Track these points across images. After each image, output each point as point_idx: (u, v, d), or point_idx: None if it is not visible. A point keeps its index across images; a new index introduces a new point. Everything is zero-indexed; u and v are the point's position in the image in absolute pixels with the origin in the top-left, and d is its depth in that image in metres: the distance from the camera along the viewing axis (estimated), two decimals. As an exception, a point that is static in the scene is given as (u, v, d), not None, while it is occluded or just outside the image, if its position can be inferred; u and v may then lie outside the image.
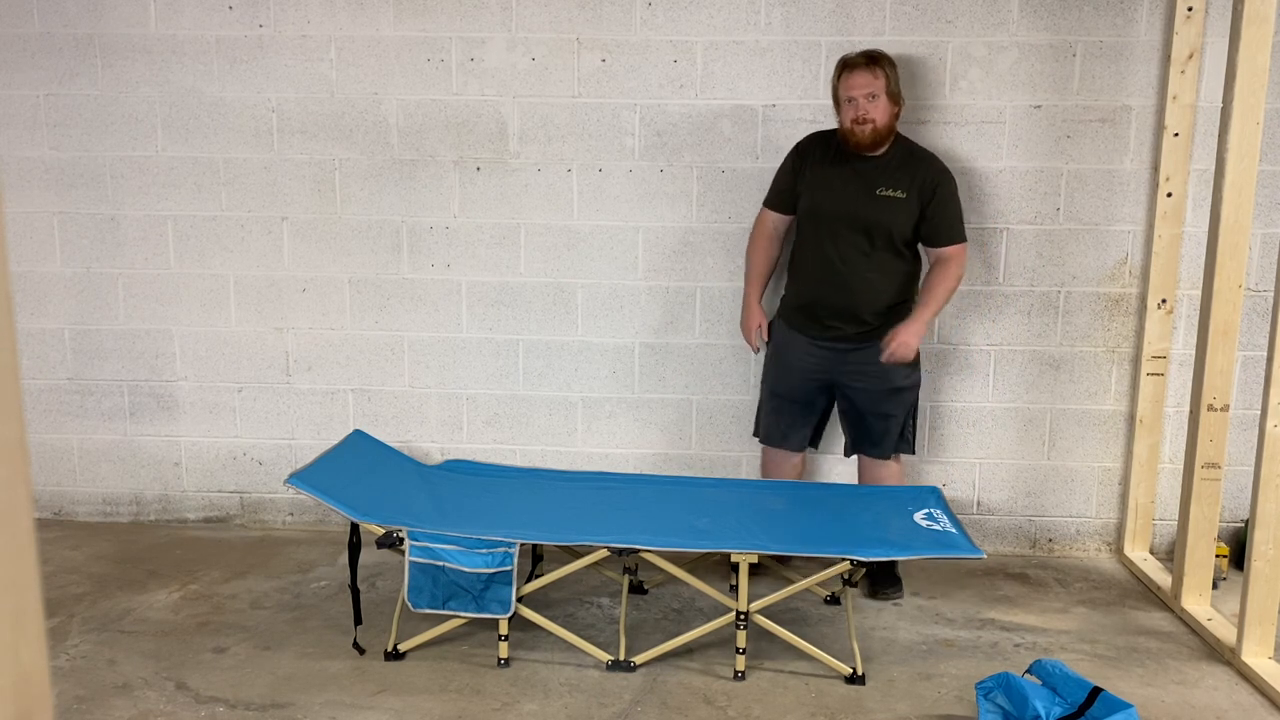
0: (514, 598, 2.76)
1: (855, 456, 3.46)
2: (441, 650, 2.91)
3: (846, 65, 3.18)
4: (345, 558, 3.59)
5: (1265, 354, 2.75)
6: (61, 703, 2.59)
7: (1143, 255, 3.60)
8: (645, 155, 3.64)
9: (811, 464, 3.74)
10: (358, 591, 2.93)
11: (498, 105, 3.65)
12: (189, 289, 3.83)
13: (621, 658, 2.81)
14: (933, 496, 3.20)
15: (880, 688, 2.73)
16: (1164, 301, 3.56)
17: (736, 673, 2.77)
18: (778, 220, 3.39)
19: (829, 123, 3.58)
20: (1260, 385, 3.45)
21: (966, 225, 3.61)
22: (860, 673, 2.76)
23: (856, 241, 3.21)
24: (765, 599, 2.83)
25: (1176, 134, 3.46)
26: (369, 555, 3.65)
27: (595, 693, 2.68)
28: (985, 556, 2.76)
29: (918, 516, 3.01)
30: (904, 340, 3.18)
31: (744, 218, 3.63)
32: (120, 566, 3.52)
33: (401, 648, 2.87)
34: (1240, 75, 2.82)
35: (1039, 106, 3.54)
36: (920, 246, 3.32)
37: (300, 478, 2.92)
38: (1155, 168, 3.53)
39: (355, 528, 2.89)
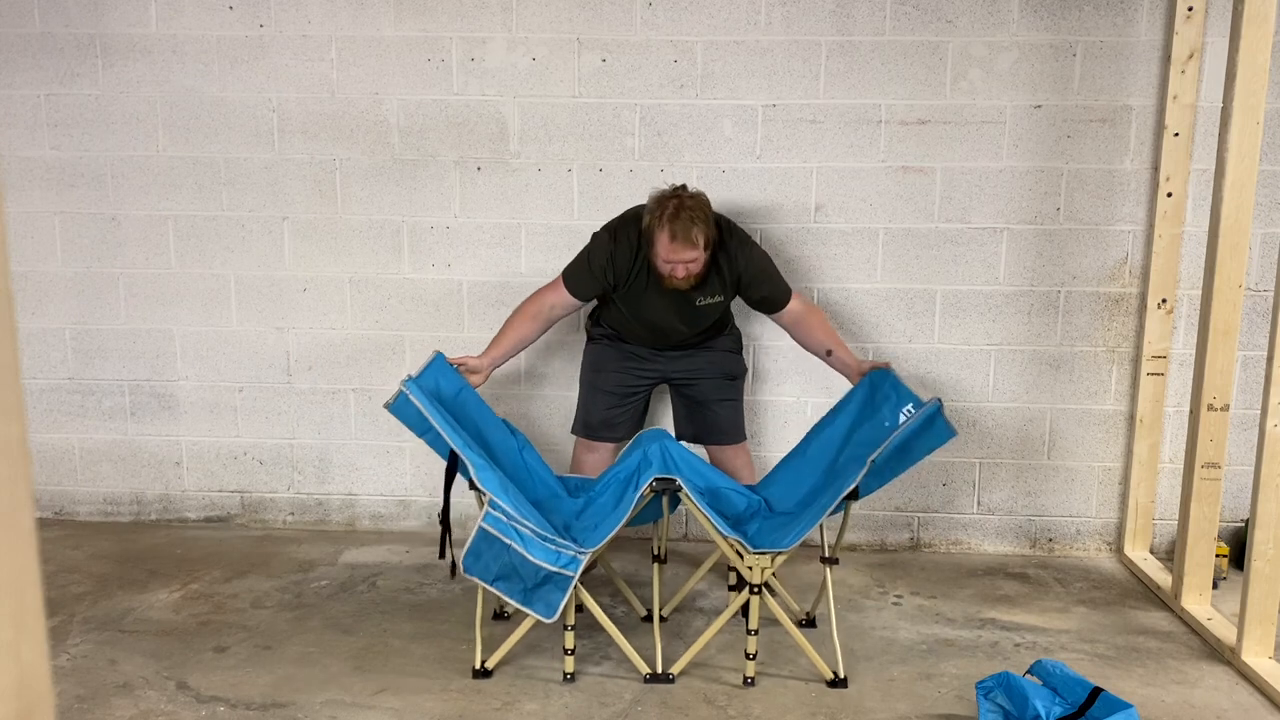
0: (562, 607, 2.59)
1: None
2: (442, 649, 2.91)
3: (672, 235, 2.91)
4: (346, 557, 3.61)
5: (1265, 354, 2.75)
6: (62, 702, 2.59)
7: (1143, 255, 3.60)
8: (645, 155, 3.65)
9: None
10: (448, 523, 2.79)
11: (498, 105, 3.65)
12: (190, 289, 3.83)
13: (659, 670, 2.74)
14: (895, 393, 2.93)
15: (880, 687, 2.73)
16: (1164, 301, 3.56)
17: (746, 679, 2.73)
18: (567, 303, 3.15)
19: (829, 123, 3.58)
20: (1260, 385, 3.45)
21: (968, 225, 3.62)
22: (843, 676, 2.72)
23: (681, 330, 3.24)
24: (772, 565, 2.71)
25: (1177, 134, 3.46)
26: (371, 554, 3.66)
27: (595, 692, 2.68)
28: (957, 435, 2.69)
29: (901, 418, 2.85)
30: (870, 365, 3.05)
31: (744, 218, 3.63)
32: (121, 566, 3.53)
33: (489, 665, 2.77)
34: (1240, 75, 2.82)
35: (1039, 106, 3.54)
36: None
37: (417, 382, 2.75)
38: (1155, 168, 3.53)
39: (454, 454, 2.71)
